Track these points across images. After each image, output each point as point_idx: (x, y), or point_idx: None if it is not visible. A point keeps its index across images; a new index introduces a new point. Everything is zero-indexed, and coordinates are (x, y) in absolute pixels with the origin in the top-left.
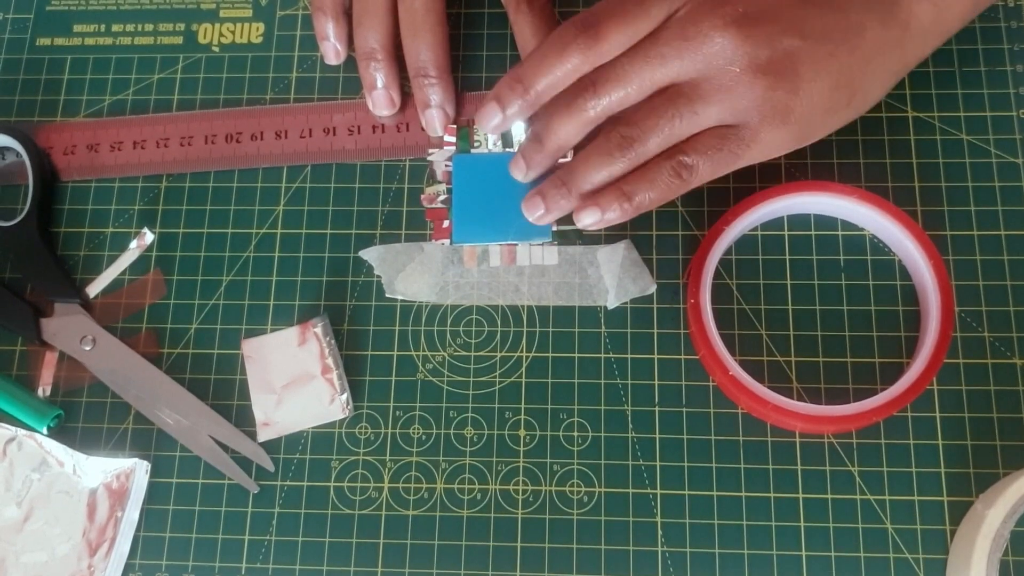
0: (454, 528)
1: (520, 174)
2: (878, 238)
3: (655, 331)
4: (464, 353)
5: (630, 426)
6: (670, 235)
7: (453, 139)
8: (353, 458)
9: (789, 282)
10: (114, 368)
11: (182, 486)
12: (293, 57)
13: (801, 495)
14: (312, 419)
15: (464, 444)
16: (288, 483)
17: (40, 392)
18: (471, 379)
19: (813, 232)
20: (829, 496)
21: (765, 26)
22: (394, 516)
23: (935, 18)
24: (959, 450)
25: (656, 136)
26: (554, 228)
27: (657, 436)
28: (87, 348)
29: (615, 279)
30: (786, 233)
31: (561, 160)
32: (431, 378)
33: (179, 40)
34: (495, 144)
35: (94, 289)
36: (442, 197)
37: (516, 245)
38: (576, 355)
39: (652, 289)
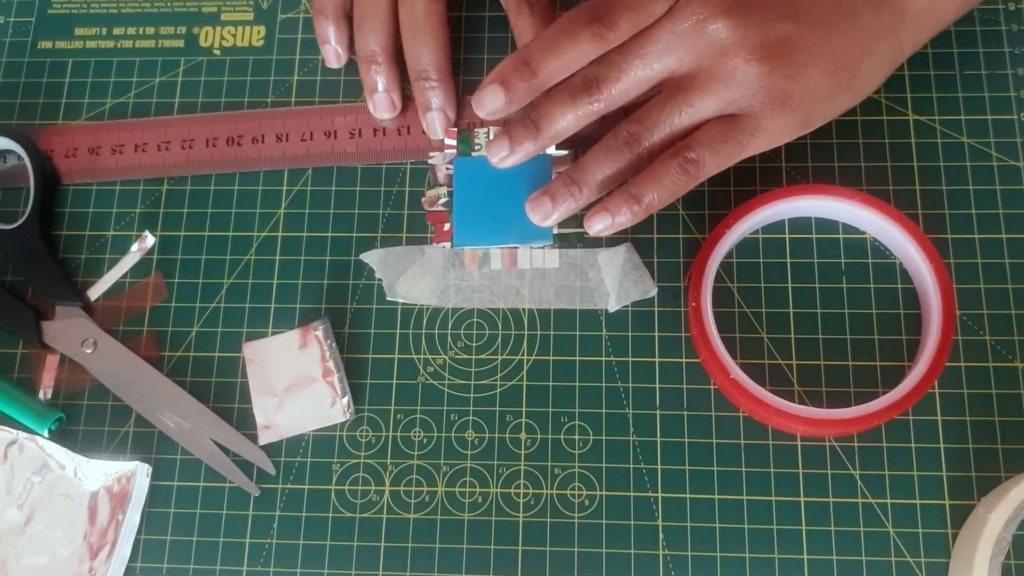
0: (455, 531)
1: (502, 154)
2: (879, 241)
3: (656, 334)
4: (465, 356)
5: (631, 429)
6: (671, 238)
7: (454, 142)
8: (354, 461)
9: (790, 285)
10: (115, 371)
11: (183, 489)
12: (294, 60)
13: (802, 498)
14: (313, 422)
15: (465, 447)
16: (289, 486)
17: (41, 395)
18: (472, 382)
19: (814, 235)
20: (830, 500)
21: (757, 13)
22: (395, 519)
23: (929, 5)
24: (960, 454)
25: (660, 130)
26: (555, 231)
27: (658, 439)
28: (88, 351)
29: (616, 282)
30: (787, 236)
31: (551, 152)
32: (432, 381)
33: (180, 43)
34: None
35: (95, 292)
36: (443, 200)
37: (517, 248)
38: (577, 358)
39: (653, 292)
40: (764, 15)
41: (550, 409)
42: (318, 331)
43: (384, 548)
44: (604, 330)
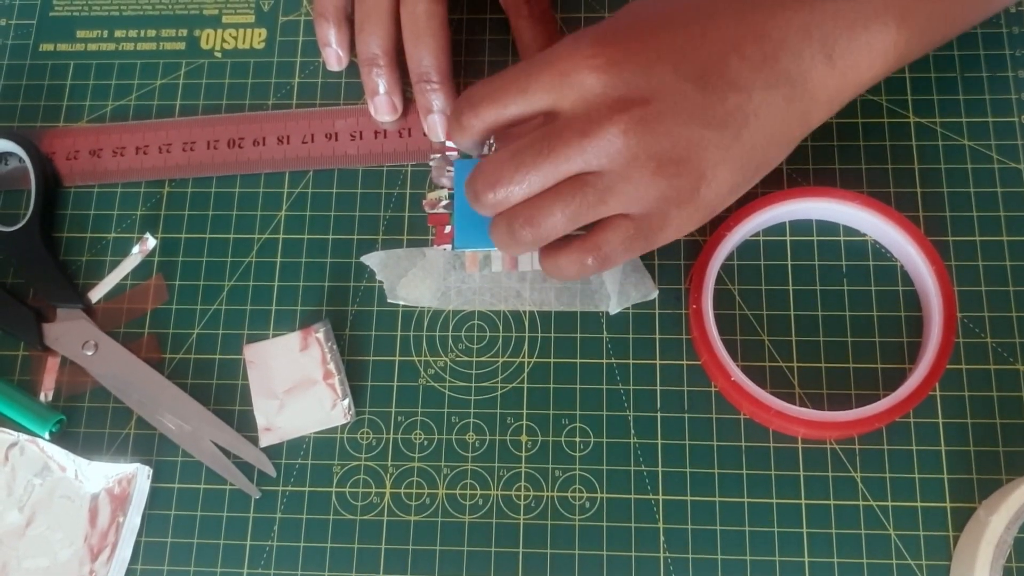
0: (456, 534)
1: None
2: (880, 243)
3: (657, 336)
4: (466, 358)
5: (632, 431)
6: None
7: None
8: (355, 463)
9: (791, 287)
10: (116, 373)
11: (184, 491)
12: (295, 63)
13: (804, 501)
14: (314, 424)
15: (466, 449)
16: (290, 488)
17: (42, 397)
18: (473, 384)
19: (815, 237)
20: (832, 502)
21: (666, 122)
22: (396, 521)
23: (841, 86)
24: (962, 456)
25: (561, 222)
26: None
27: (659, 441)
28: (89, 353)
29: (617, 284)
30: (788, 238)
31: None
32: (433, 383)
33: (182, 45)
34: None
35: (96, 294)
36: (444, 202)
37: None
38: (578, 360)
39: (654, 294)
40: (672, 123)
41: (551, 411)
42: (319, 333)
43: (385, 550)
44: (605, 332)
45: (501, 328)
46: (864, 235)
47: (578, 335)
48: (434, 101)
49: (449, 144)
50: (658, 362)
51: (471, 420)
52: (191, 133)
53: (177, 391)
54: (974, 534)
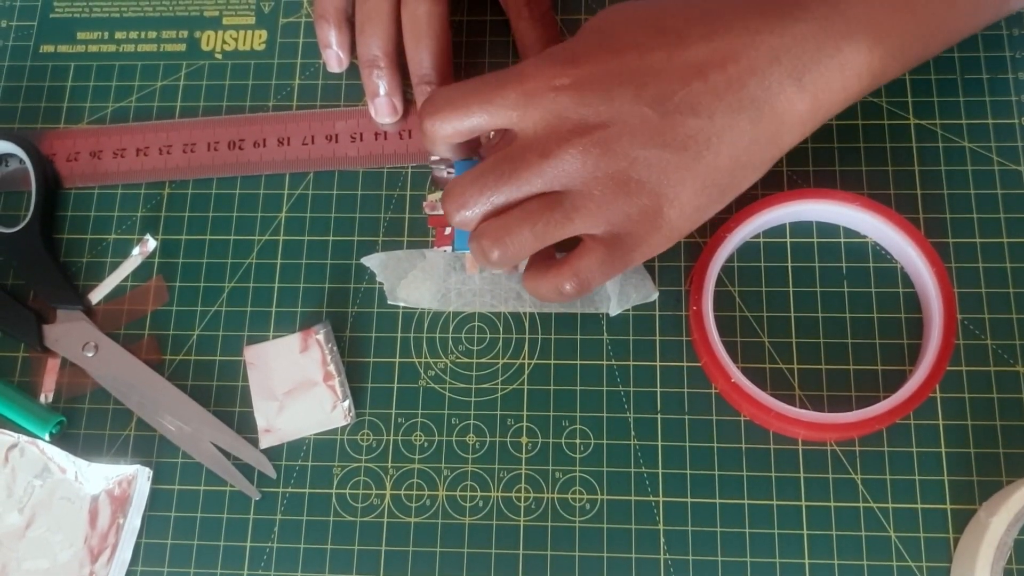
0: (456, 535)
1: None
2: (880, 245)
3: (657, 338)
4: (466, 360)
5: (632, 433)
6: None
7: None
8: (355, 465)
9: (791, 289)
10: (116, 375)
11: (184, 493)
12: (296, 64)
13: (804, 503)
14: (314, 426)
15: (466, 451)
16: (290, 490)
17: (42, 398)
18: (473, 386)
19: (815, 239)
20: (832, 504)
21: (625, 144)
22: (396, 523)
23: (813, 108)
24: (962, 458)
25: (528, 240)
26: None
27: (659, 443)
28: (89, 355)
29: (617, 286)
30: (788, 240)
31: None
32: (433, 385)
33: (182, 47)
34: None
35: (96, 296)
36: None
37: None
38: (578, 362)
39: (654, 296)
40: (632, 143)
41: (551, 413)
42: (319, 335)
43: (385, 552)
44: (605, 334)
45: (501, 330)
46: (864, 237)
47: (578, 337)
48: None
49: None
50: (658, 364)
51: (471, 422)
52: (191, 135)
53: (177, 393)
54: (974, 536)
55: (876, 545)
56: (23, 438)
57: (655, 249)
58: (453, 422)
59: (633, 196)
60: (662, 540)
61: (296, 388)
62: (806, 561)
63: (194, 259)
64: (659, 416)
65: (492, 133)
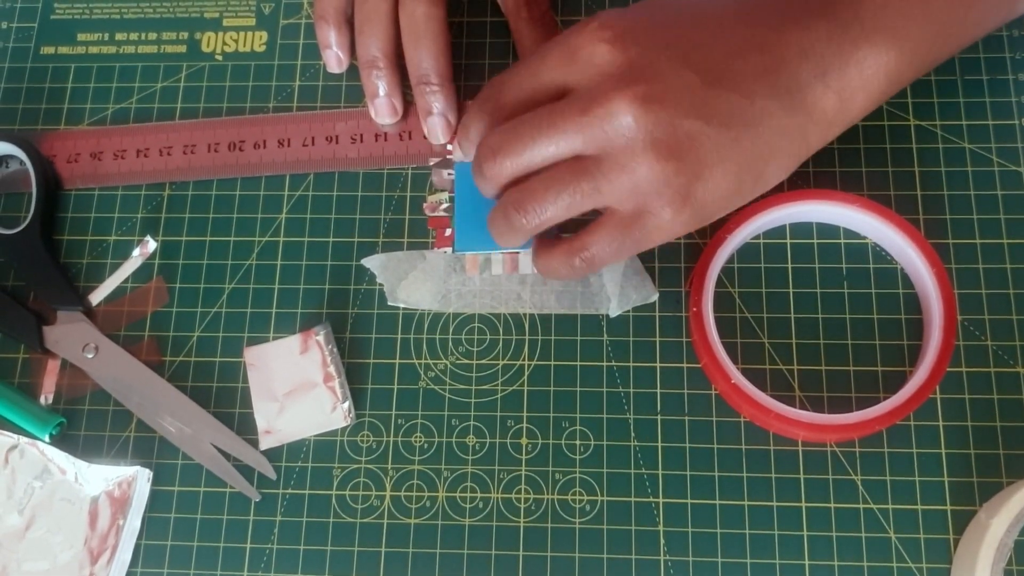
0: (456, 537)
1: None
2: (880, 246)
3: (657, 339)
4: (466, 361)
5: (632, 434)
6: (672, 243)
7: (454, 147)
8: (355, 466)
9: (791, 290)
10: (116, 376)
11: (184, 494)
12: (296, 65)
13: (804, 504)
14: (314, 427)
15: (466, 452)
16: (290, 491)
17: (42, 400)
18: (473, 387)
19: (815, 240)
20: (832, 505)
21: (668, 108)
22: (396, 524)
23: (839, 108)
24: (962, 459)
25: (553, 209)
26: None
27: (659, 444)
28: (89, 356)
29: (617, 287)
30: (788, 241)
31: None
32: (433, 386)
33: (182, 48)
34: None
35: (97, 297)
36: (444, 205)
37: (518, 253)
38: (578, 363)
39: (654, 297)
40: (676, 111)
41: (551, 414)
42: (319, 336)
43: (385, 553)
44: (605, 335)
45: (501, 331)
46: (864, 238)
47: (578, 338)
48: (434, 103)
49: (449, 147)
50: (658, 365)
51: (471, 423)
52: (192, 136)
53: (177, 394)
54: (975, 537)
55: (876, 546)
56: (23, 439)
57: (673, 233)
58: (453, 423)
59: (669, 171)
60: (662, 541)
61: (296, 389)
62: (806, 562)
63: (194, 260)
64: (659, 417)
65: None
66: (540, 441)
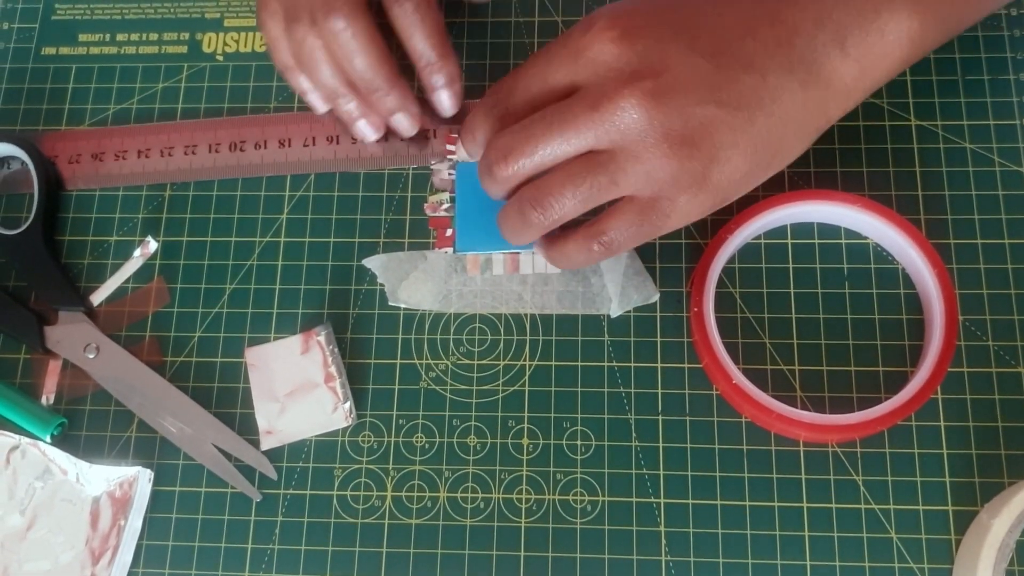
0: (457, 537)
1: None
2: (882, 247)
3: (658, 340)
4: (467, 362)
5: (633, 435)
6: (673, 243)
7: (455, 148)
8: (356, 467)
9: (792, 291)
10: (117, 376)
11: (185, 494)
12: None
13: (805, 504)
14: (315, 427)
15: (467, 453)
16: (291, 492)
17: (44, 400)
18: (474, 388)
19: (816, 241)
20: (833, 505)
21: (678, 97)
22: (397, 525)
23: (858, 76)
24: (964, 459)
25: (570, 204)
26: None
27: (661, 445)
28: (91, 356)
29: (618, 287)
30: (789, 242)
31: None
32: (434, 386)
33: (183, 49)
34: None
35: (98, 297)
36: (445, 206)
37: (519, 253)
38: (579, 364)
39: (655, 298)
40: (686, 99)
41: (552, 414)
42: (320, 336)
43: (386, 554)
44: (606, 335)
45: (502, 331)
46: (865, 238)
47: (579, 338)
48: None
49: (449, 148)
50: (659, 365)
51: (472, 423)
52: (193, 136)
53: (178, 394)
54: (976, 537)
55: (878, 546)
56: (24, 440)
57: (692, 216)
58: (454, 423)
59: (684, 158)
60: (663, 542)
61: (297, 390)
62: (807, 563)
63: (195, 261)
64: (660, 417)
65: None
66: (541, 441)
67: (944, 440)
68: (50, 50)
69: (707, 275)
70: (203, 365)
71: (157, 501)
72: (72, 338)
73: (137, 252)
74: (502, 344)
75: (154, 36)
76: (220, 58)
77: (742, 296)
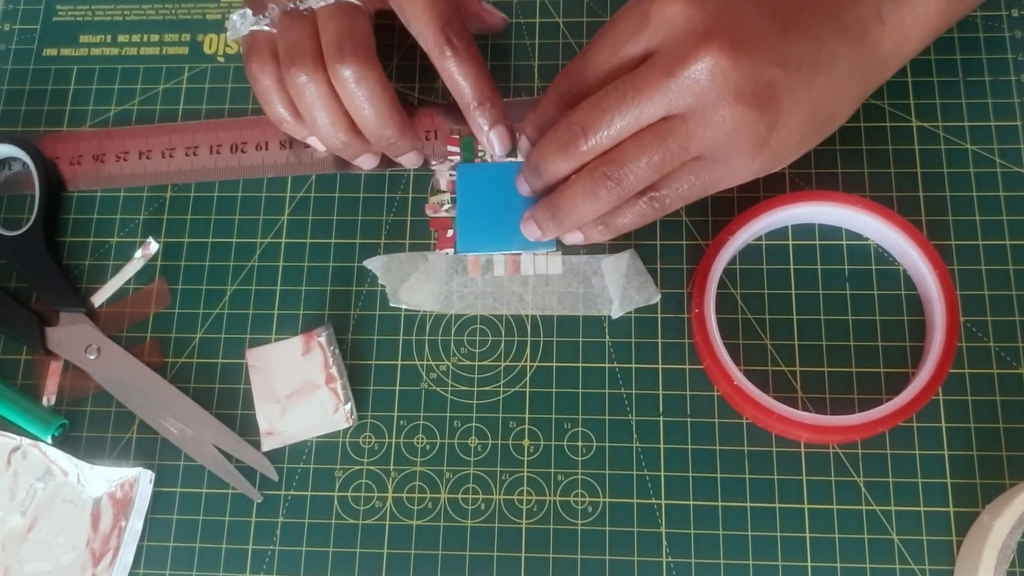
0: (458, 538)
1: (525, 192)
2: (883, 248)
3: (659, 341)
4: (468, 363)
5: (634, 436)
6: (674, 244)
7: (457, 149)
8: (357, 468)
9: (793, 292)
10: (118, 377)
11: (186, 495)
12: None
13: (806, 505)
14: (316, 429)
15: (468, 454)
16: (292, 493)
17: (45, 401)
18: (475, 389)
19: (817, 242)
20: (834, 507)
21: (751, 55)
22: (398, 526)
23: (896, 45)
24: (965, 460)
25: (644, 174)
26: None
27: (662, 446)
28: (92, 357)
29: (619, 289)
30: (790, 243)
31: None
32: (435, 388)
33: (185, 50)
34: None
35: (99, 298)
36: (446, 207)
37: (520, 255)
38: (580, 365)
39: (656, 299)
40: (756, 60)
41: (553, 415)
42: (321, 337)
43: (387, 555)
44: (607, 336)
45: (503, 332)
46: (867, 239)
47: (580, 339)
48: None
49: (451, 148)
50: (660, 366)
51: (473, 424)
52: (194, 138)
53: (179, 395)
54: (978, 538)
55: (879, 548)
56: (25, 441)
57: (744, 178)
58: (455, 425)
59: (751, 120)
60: (664, 543)
61: (298, 391)
62: (808, 564)
63: (196, 262)
64: (661, 419)
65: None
66: (542, 443)
67: (945, 441)
68: (51, 51)
69: (708, 276)
70: (204, 366)
71: (158, 502)
72: (73, 339)
73: (138, 253)
74: (503, 345)
75: (155, 37)
76: (221, 59)
77: (743, 297)
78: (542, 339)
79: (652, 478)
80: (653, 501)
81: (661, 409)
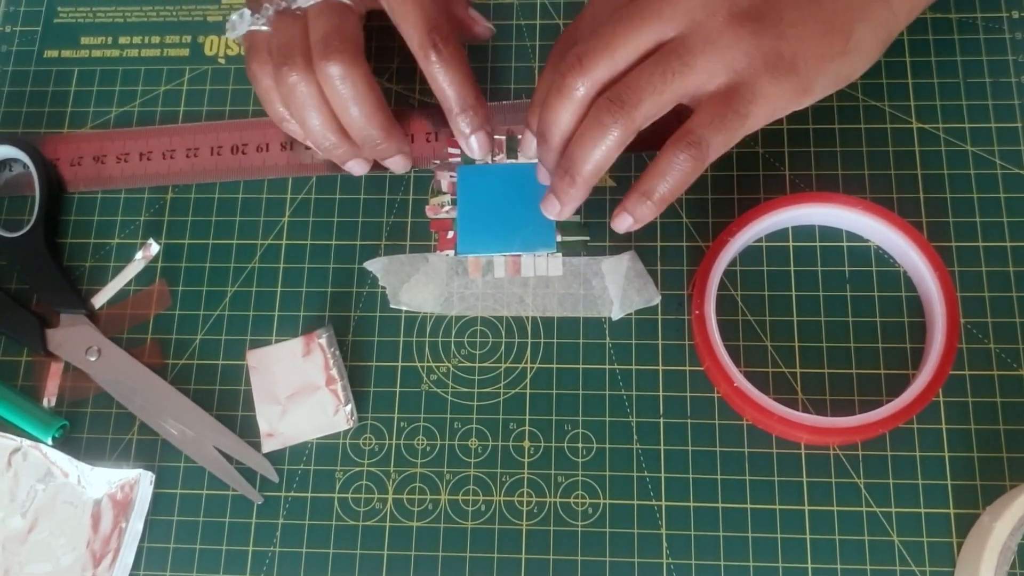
0: (458, 540)
1: (544, 179)
2: (883, 249)
3: (660, 342)
4: (468, 364)
5: (635, 437)
6: (675, 246)
7: (458, 150)
8: (357, 469)
9: (794, 293)
10: (119, 379)
11: (186, 497)
12: None
13: (807, 507)
14: (316, 430)
15: (468, 455)
16: (292, 494)
17: (45, 402)
18: (475, 390)
19: (818, 243)
20: (835, 508)
21: None
22: (398, 527)
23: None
24: (965, 462)
25: (648, 95)
26: (559, 239)
27: (662, 447)
28: (92, 359)
29: (620, 290)
30: (791, 244)
31: None
32: (435, 389)
33: (185, 52)
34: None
35: (99, 300)
36: (447, 208)
37: (521, 256)
38: (581, 366)
39: (656, 300)
40: None
41: (553, 417)
42: (322, 339)
43: (387, 556)
44: (608, 338)
45: (504, 334)
46: (867, 241)
47: (581, 341)
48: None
49: (451, 150)
50: (661, 368)
51: (473, 426)
52: (195, 139)
53: (180, 396)
54: (978, 540)
55: (879, 549)
56: (26, 442)
57: (778, 103)
58: (455, 426)
59: (752, 32)
60: (664, 544)
61: (298, 392)
62: (809, 565)
63: (197, 263)
64: (661, 420)
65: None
66: (542, 444)
67: (946, 443)
68: (52, 53)
69: (708, 278)
70: (204, 367)
71: (158, 503)
72: (74, 340)
73: (139, 255)
74: (503, 347)
75: (156, 39)
76: (222, 61)
77: (743, 299)
78: (542, 340)
79: (652, 479)
80: (653, 502)
81: (661, 410)
